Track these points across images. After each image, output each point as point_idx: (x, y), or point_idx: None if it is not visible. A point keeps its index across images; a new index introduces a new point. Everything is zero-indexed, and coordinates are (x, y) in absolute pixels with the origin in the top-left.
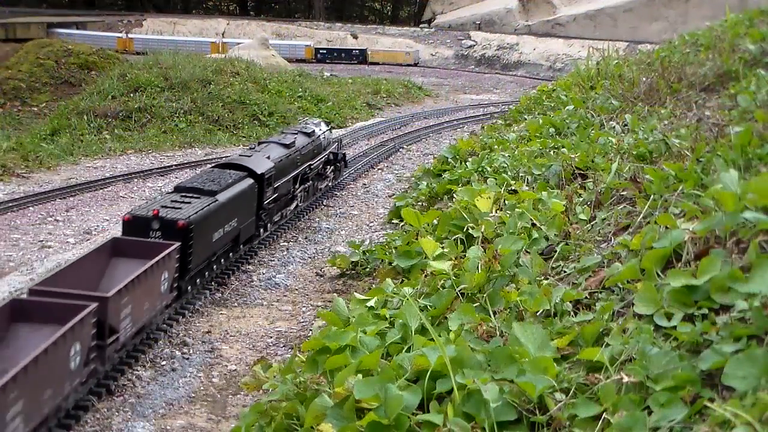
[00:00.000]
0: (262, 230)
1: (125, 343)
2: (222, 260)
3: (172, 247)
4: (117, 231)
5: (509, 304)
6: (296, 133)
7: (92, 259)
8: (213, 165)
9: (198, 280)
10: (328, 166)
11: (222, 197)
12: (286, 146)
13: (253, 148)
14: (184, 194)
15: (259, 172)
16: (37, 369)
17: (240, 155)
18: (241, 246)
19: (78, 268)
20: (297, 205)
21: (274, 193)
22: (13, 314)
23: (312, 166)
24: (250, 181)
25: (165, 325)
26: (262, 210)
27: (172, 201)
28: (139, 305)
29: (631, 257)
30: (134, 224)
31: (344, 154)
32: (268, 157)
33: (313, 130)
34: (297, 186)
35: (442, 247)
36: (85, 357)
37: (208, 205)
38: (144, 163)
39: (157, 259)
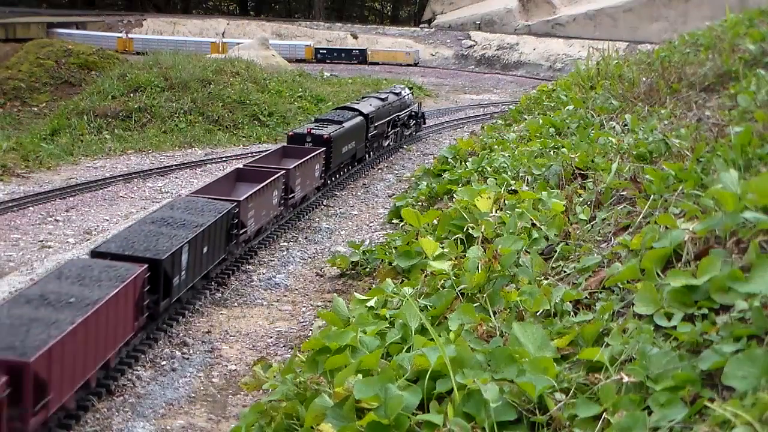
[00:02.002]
0: (367, 155)
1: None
2: (346, 169)
3: (320, 148)
4: (117, 231)
5: (509, 304)
6: (389, 93)
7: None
8: (335, 108)
9: (334, 178)
10: (411, 120)
11: (346, 125)
12: (382, 99)
13: (361, 99)
14: (322, 123)
15: (365, 112)
16: (257, 197)
17: (352, 102)
18: (356, 162)
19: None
20: (389, 144)
21: (375, 129)
22: (237, 178)
23: (399, 117)
24: (360, 118)
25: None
26: (368, 140)
27: (315, 126)
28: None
29: (631, 257)
30: (295, 138)
31: (423, 113)
32: (371, 105)
33: (400, 92)
34: (389, 129)
35: (442, 247)
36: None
37: (338, 128)
38: (144, 163)
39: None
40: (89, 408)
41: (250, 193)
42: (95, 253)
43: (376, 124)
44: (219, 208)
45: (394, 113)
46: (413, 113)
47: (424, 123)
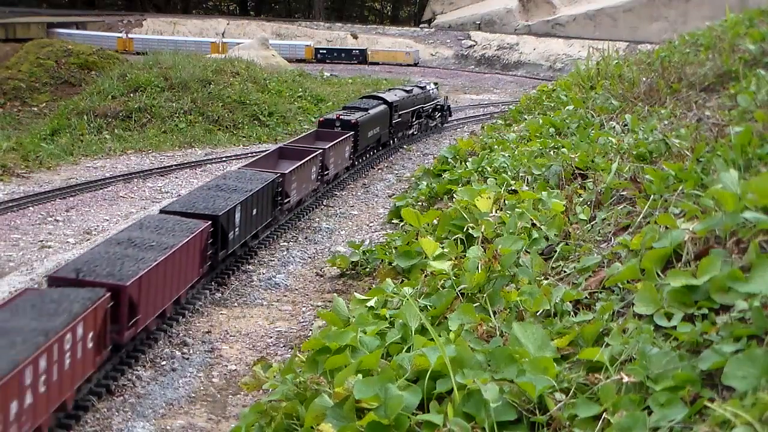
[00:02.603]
0: (391, 141)
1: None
2: (372, 152)
3: (349, 132)
4: (117, 231)
5: (509, 304)
6: (414, 86)
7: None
8: (361, 96)
9: (360, 159)
10: (436, 112)
11: (371, 112)
12: (407, 92)
13: (387, 90)
14: (349, 110)
15: (390, 101)
16: (298, 171)
17: (377, 91)
18: (380, 147)
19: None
20: (413, 132)
21: (398, 118)
22: (279, 155)
23: (423, 108)
24: (384, 106)
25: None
26: (391, 126)
27: (343, 112)
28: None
29: (631, 257)
30: (324, 123)
31: (449, 105)
32: (395, 95)
33: (425, 86)
34: (414, 119)
35: (442, 247)
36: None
37: (364, 114)
38: (144, 163)
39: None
40: (89, 408)
41: (293, 167)
42: (164, 211)
43: (400, 113)
44: (266, 178)
45: (418, 104)
46: (438, 106)
47: (450, 115)
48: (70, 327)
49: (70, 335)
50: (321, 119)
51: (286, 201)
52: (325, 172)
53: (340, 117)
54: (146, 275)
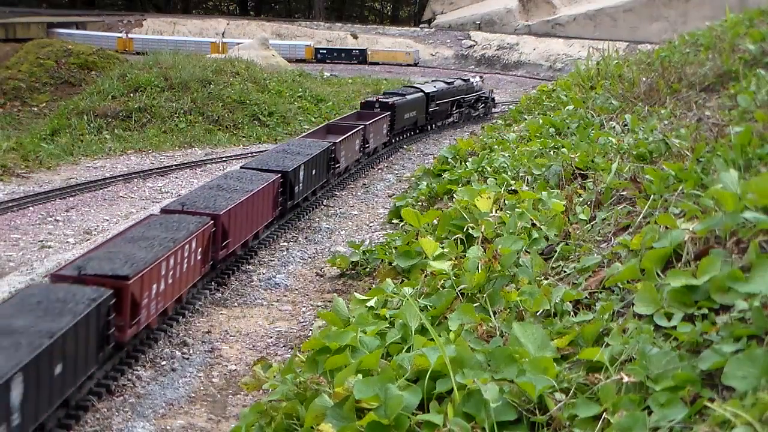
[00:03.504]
0: (429, 126)
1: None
2: (408, 134)
3: (386, 112)
4: (117, 231)
5: (509, 304)
6: (457, 78)
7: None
8: (404, 86)
9: (397, 138)
10: (479, 103)
11: (407, 98)
12: (447, 84)
13: (428, 82)
14: (388, 95)
15: (427, 91)
16: (346, 142)
17: (417, 83)
18: (417, 129)
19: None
20: (453, 121)
21: (436, 106)
22: (327, 131)
23: (465, 99)
24: (420, 94)
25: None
26: (428, 113)
27: (383, 95)
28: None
29: (631, 257)
30: (365, 105)
31: (494, 98)
32: (435, 87)
33: (468, 79)
34: (453, 108)
35: (442, 247)
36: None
37: (401, 99)
38: (144, 163)
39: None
40: (89, 408)
41: (342, 138)
42: (244, 167)
43: (438, 102)
44: (322, 146)
45: (459, 95)
46: (482, 97)
47: (495, 107)
48: (188, 240)
49: (188, 246)
50: (362, 101)
51: (336, 165)
52: (366, 145)
53: (379, 99)
54: (234, 209)
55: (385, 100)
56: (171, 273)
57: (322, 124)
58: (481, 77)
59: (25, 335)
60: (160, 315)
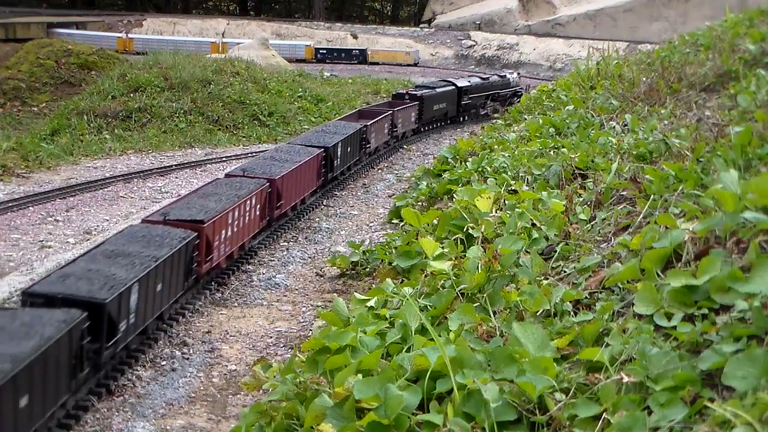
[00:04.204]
0: (461, 118)
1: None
2: (437, 123)
3: (414, 102)
4: (117, 231)
5: (509, 304)
6: (494, 74)
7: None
8: (439, 79)
9: (427, 127)
10: (515, 97)
11: (438, 91)
12: (483, 79)
13: (463, 77)
14: (420, 87)
15: (459, 85)
16: (376, 125)
17: (451, 77)
18: (449, 120)
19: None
20: (486, 113)
21: (468, 99)
22: (359, 116)
23: (500, 93)
24: (452, 87)
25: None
26: (460, 106)
27: (415, 88)
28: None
29: (631, 257)
30: (396, 96)
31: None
32: (468, 81)
33: (505, 75)
34: (488, 101)
35: (442, 247)
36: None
37: (430, 92)
38: (144, 163)
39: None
40: (89, 408)
41: (372, 121)
42: (290, 143)
43: (470, 96)
44: (355, 127)
45: (494, 90)
46: (518, 92)
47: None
48: (249, 197)
49: (249, 202)
50: (393, 93)
51: (368, 145)
52: (395, 130)
53: (409, 92)
54: (287, 175)
55: (414, 92)
56: (236, 223)
57: (354, 110)
58: (518, 74)
59: (138, 257)
60: (227, 258)
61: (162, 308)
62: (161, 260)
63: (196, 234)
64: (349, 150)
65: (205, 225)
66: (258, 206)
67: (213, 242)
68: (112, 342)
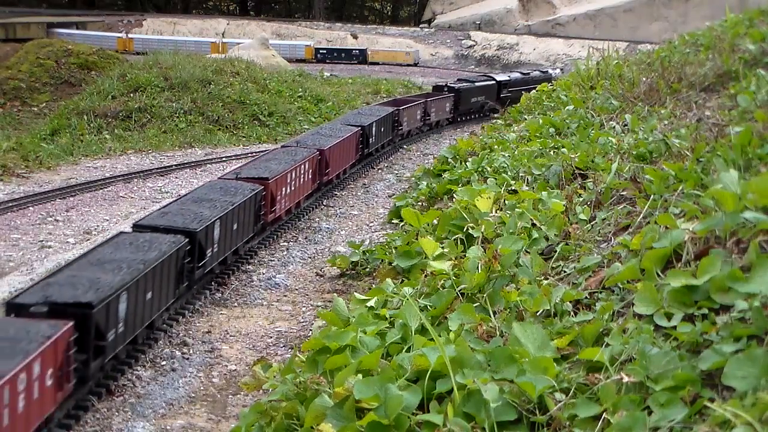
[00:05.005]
0: (497, 106)
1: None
2: (473, 115)
3: (451, 94)
4: (117, 231)
5: (509, 304)
6: (535, 70)
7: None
8: (479, 75)
9: (463, 118)
10: None
11: (476, 84)
12: (523, 74)
13: (503, 72)
14: (460, 81)
15: (498, 80)
16: (408, 110)
17: (491, 72)
18: (488, 112)
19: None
20: None
21: (508, 93)
22: (394, 103)
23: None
24: (492, 82)
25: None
26: (499, 99)
27: (456, 81)
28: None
29: (631, 257)
30: (436, 88)
31: None
32: (508, 76)
33: (547, 70)
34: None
35: (442, 247)
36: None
37: (468, 85)
38: (144, 163)
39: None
40: (89, 408)
41: (405, 107)
42: (331, 122)
43: (510, 89)
44: (389, 110)
45: (534, 84)
46: None
47: None
48: (303, 162)
49: (303, 167)
50: (434, 85)
51: (400, 128)
52: (427, 117)
53: (448, 84)
54: (332, 147)
55: (452, 85)
56: (293, 183)
57: (391, 98)
58: (561, 69)
59: (219, 202)
60: (287, 212)
61: (237, 245)
62: (236, 205)
63: (263, 187)
64: (383, 130)
65: (269, 181)
66: (310, 171)
67: (276, 196)
68: (201, 264)
